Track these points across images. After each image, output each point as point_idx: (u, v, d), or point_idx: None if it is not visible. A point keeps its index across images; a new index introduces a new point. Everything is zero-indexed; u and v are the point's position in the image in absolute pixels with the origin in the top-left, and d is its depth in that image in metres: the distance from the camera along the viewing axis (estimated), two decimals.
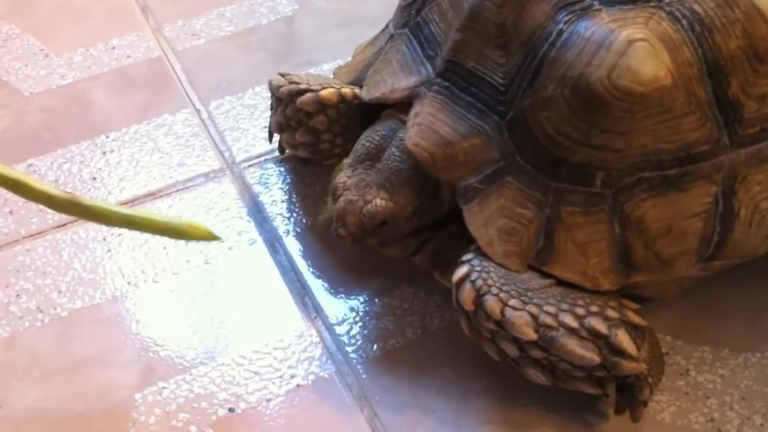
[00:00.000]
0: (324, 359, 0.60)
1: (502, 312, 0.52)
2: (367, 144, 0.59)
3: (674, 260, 0.55)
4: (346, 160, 0.60)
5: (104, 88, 0.79)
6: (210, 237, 0.56)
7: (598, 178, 0.54)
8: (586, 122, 0.52)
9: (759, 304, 0.62)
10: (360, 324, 0.62)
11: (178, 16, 0.85)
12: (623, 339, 0.52)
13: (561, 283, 0.54)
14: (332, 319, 0.62)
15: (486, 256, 0.55)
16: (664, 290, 0.60)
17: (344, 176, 0.59)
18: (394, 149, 0.58)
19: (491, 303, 0.53)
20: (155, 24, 0.85)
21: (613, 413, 0.55)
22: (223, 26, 0.84)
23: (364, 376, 0.59)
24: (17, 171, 0.55)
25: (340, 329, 0.61)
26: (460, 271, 0.54)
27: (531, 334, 0.52)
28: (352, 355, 0.60)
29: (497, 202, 0.55)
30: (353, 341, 0.61)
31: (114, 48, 0.82)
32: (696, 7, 0.53)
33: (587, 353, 0.51)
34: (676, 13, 0.53)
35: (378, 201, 0.56)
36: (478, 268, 0.54)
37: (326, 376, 0.59)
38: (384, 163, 0.58)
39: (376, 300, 0.63)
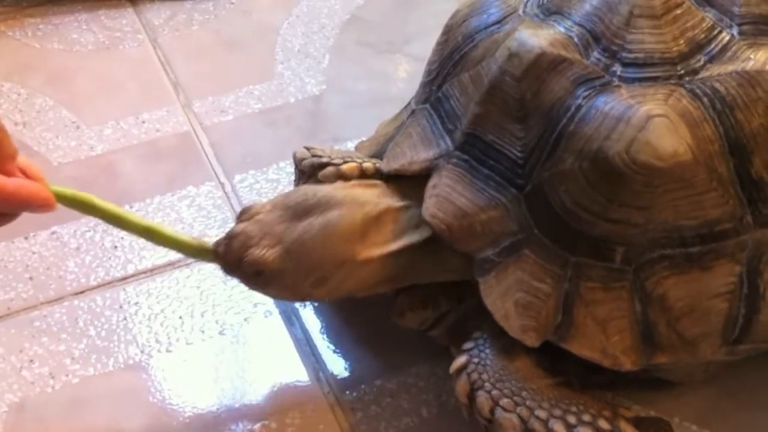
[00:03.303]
0: None
1: (491, 411, 0.52)
2: (302, 198, 0.57)
3: (698, 341, 0.53)
4: (277, 197, 0.58)
5: (132, 159, 0.80)
6: None
7: (618, 254, 0.53)
8: (605, 196, 0.52)
9: None
10: (374, 401, 0.60)
11: (208, 92, 0.87)
12: None
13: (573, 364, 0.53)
14: (346, 395, 0.61)
15: (488, 346, 0.54)
16: (690, 374, 0.58)
17: (261, 208, 0.57)
18: (316, 224, 0.56)
19: (482, 400, 0.52)
20: (185, 100, 0.87)
21: None
22: (252, 103, 0.86)
23: None
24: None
25: (354, 406, 0.60)
26: (458, 362, 0.54)
27: None
28: None
29: (514, 275, 0.54)
30: (367, 419, 0.59)
31: (144, 122, 0.84)
32: (717, 85, 0.53)
33: None
34: (697, 90, 0.53)
35: (268, 253, 0.55)
36: (476, 360, 0.54)
37: None
38: (299, 229, 0.56)
39: (392, 377, 0.62)
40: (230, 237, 0.56)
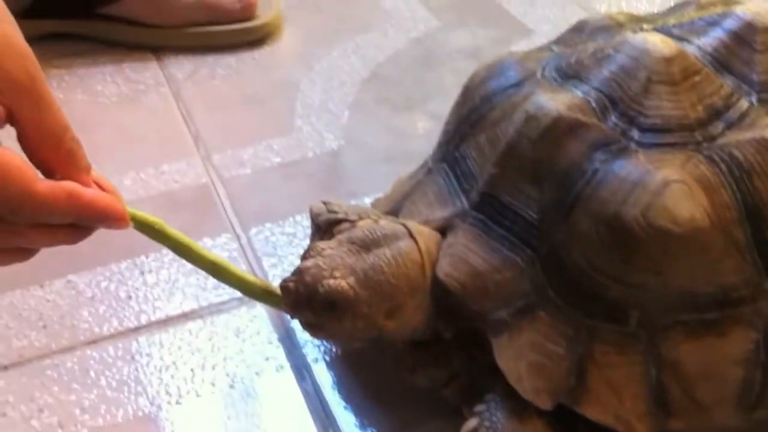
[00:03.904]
0: None
1: None
2: (367, 233, 0.57)
3: (713, 407, 0.52)
4: (338, 236, 0.58)
5: (149, 210, 0.80)
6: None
7: (633, 317, 0.52)
8: (621, 259, 0.51)
9: None
10: None
11: (228, 145, 0.88)
12: None
13: None
14: None
15: (500, 408, 0.54)
16: None
17: (326, 245, 0.57)
18: (387, 251, 0.56)
19: None
20: (205, 152, 0.87)
21: None
22: (271, 157, 0.87)
23: None
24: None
25: None
26: (469, 425, 0.54)
27: None
28: None
29: (528, 336, 0.53)
30: None
31: (163, 173, 0.85)
32: (735, 152, 0.53)
33: None
34: (715, 157, 0.53)
35: (343, 282, 0.54)
36: (487, 424, 0.53)
37: None
38: (371, 257, 0.56)
39: None
40: (301, 272, 0.55)
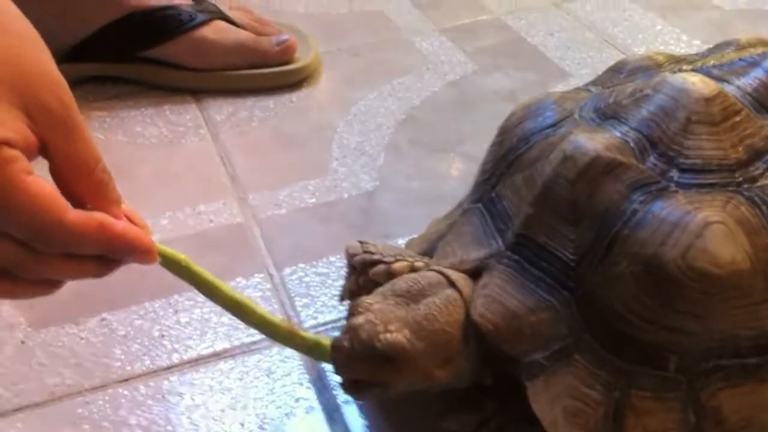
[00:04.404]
0: None
1: None
2: (411, 284, 0.56)
3: None
4: (380, 289, 0.57)
5: (184, 250, 0.80)
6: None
7: (672, 362, 0.51)
8: (659, 302, 0.50)
9: None
10: None
11: (264, 186, 0.88)
12: None
13: None
14: None
15: None
16: None
17: (372, 299, 0.56)
18: (437, 300, 0.55)
19: None
20: (241, 192, 0.88)
21: None
22: (306, 198, 0.87)
23: None
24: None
25: None
26: None
27: None
28: None
29: (564, 380, 0.52)
30: None
31: (200, 213, 0.85)
32: None
33: None
34: (756, 198, 0.52)
35: (400, 336, 0.53)
36: None
37: None
38: (422, 307, 0.55)
39: None
40: (355, 329, 0.54)
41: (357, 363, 0.54)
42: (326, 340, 0.57)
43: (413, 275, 0.58)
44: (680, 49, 1.09)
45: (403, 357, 0.53)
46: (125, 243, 0.49)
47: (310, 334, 0.57)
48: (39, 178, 0.45)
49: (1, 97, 0.45)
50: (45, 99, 0.46)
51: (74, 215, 0.46)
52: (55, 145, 0.47)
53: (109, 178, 0.49)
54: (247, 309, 0.56)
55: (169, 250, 0.54)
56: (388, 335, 0.53)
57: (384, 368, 0.53)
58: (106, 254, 0.49)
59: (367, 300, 0.56)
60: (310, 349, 0.58)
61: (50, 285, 0.50)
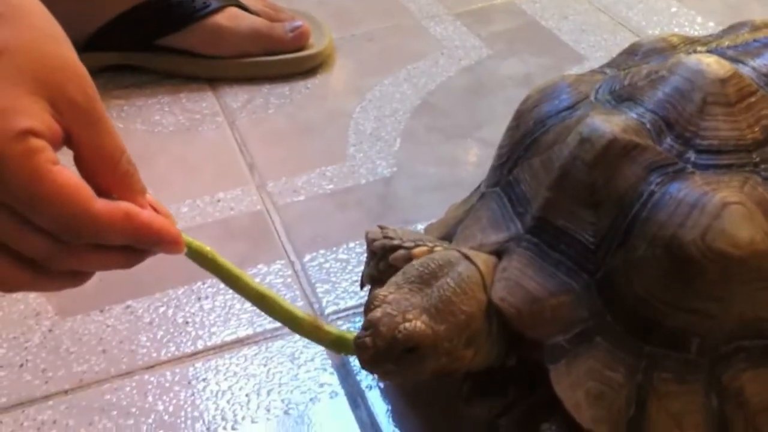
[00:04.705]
0: None
1: None
2: (421, 269, 0.56)
3: None
4: (392, 278, 0.57)
5: (206, 237, 0.81)
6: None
7: (694, 344, 0.51)
8: (679, 285, 0.51)
9: None
10: None
11: (282, 173, 0.89)
12: None
13: None
14: None
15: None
16: None
17: (386, 291, 0.55)
18: (449, 279, 0.55)
19: None
20: (260, 180, 0.89)
21: None
22: (324, 184, 0.87)
23: None
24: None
25: None
26: None
27: None
28: None
29: (586, 363, 0.53)
30: None
31: (219, 200, 0.86)
32: None
33: None
34: None
35: (418, 323, 0.53)
36: None
37: None
38: (435, 290, 0.55)
39: None
40: (373, 324, 0.54)
41: (382, 358, 0.54)
42: (350, 335, 0.57)
43: (422, 259, 0.57)
44: (695, 31, 1.09)
45: (425, 344, 0.53)
46: (151, 232, 0.49)
47: (333, 328, 0.58)
48: (65, 167, 0.46)
49: (27, 88, 0.45)
50: (70, 91, 0.46)
51: (101, 205, 0.47)
52: (80, 136, 0.47)
53: (134, 170, 0.50)
54: (272, 302, 0.57)
55: (195, 241, 0.54)
56: (407, 324, 0.53)
57: (409, 358, 0.53)
58: (133, 244, 0.49)
59: (381, 292, 0.56)
60: (333, 343, 0.58)
61: (78, 277, 0.51)
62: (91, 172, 0.49)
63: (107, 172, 0.49)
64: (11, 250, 0.46)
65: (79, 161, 0.49)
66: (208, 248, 0.55)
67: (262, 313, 0.72)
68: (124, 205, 0.48)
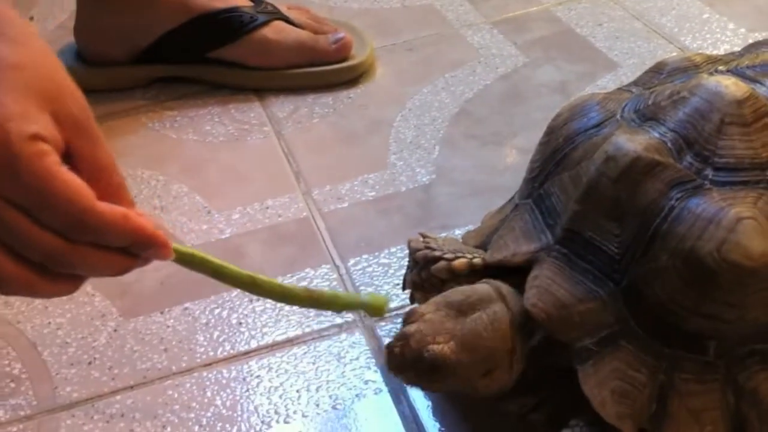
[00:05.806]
0: None
1: None
2: (462, 298, 0.61)
3: None
4: (436, 297, 0.62)
5: (257, 243, 0.87)
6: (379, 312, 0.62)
7: (711, 347, 0.55)
8: (697, 292, 0.55)
9: None
10: None
11: (326, 181, 0.94)
12: None
13: None
14: None
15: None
16: None
17: (426, 309, 0.61)
18: (484, 315, 0.60)
19: None
20: (306, 188, 0.94)
21: None
22: (366, 191, 0.92)
23: None
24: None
25: None
26: None
27: None
28: None
29: (611, 364, 0.57)
30: None
31: (268, 208, 0.91)
32: None
33: None
34: None
35: (446, 347, 0.58)
36: None
37: None
38: (469, 322, 0.60)
39: None
40: (405, 337, 0.59)
41: (407, 367, 0.60)
42: (342, 294, 0.60)
43: (467, 288, 0.62)
44: (726, 38, 1.11)
45: (446, 367, 0.59)
46: (146, 234, 0.53)
47: (326, 291, 0.61)
48: (70, 170, 0.50)
49: (33, 102, 0.50)
50: (70, 107, 0.52)
51: (103, 204, 0.51)
52: (80, 148, 0.52)
53: (125, 182, 0.54)
54: (264, 283, 0.59)
55: (180, 246, 0.57)
56: (436, 347, 0.59)
57: (430, 374, 0.59)
58: (130, 245, 0.53)
59: (421, 309, 0.61)
60: (329, 302, 0.61)
61: (73, 283, 0.54)
62: (88, 182, 0.51)
63: (103, 183, 0.53)
64: (15, 252, 0.50)
65: (76, 172, 0.51)
66: (195, 250, 0.58)
67: (309, 315, 0.78)
68: (121, 208, 0.52)
